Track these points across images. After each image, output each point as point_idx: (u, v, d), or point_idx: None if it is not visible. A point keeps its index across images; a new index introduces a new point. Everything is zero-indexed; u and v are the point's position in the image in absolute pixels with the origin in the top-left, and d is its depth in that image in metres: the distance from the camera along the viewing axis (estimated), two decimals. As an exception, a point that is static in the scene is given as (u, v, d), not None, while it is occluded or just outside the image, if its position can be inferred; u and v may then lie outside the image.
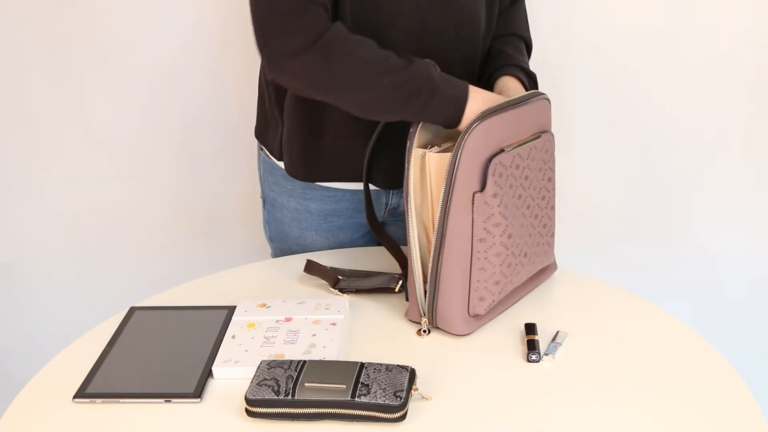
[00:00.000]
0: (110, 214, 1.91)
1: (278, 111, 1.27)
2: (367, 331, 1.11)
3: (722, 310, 1.85)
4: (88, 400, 0.98)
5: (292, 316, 1.12)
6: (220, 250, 1.94)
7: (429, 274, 1.08)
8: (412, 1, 1.15)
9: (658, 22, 1.62)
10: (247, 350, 1.05)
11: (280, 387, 0.93)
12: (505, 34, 1.31)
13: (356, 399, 0.91)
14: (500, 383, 1.00)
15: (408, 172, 1.07)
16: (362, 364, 0.97)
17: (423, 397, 0.96)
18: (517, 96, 1.10)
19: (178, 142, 1.84)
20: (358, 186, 1.31)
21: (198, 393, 0.98)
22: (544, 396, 0.97)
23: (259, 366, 0.98)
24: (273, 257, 1.43)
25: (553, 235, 1.19)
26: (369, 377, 0.94)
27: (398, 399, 0.92)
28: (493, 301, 1.10)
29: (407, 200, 1.08)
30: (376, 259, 1.32)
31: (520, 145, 1.08)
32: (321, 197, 1.33)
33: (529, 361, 1.04)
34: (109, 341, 1.10)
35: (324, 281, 1.23)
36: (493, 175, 1.03)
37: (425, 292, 1.10)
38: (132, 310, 1.17)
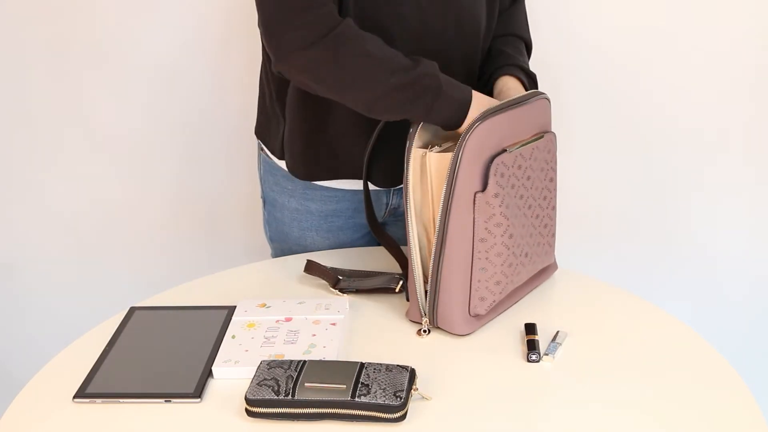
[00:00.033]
0: (110, 214, 1.91)
1: (279, 108, 1.27)
2: (367, 331, 1.11)
3: (722, 310, 1.85)
4: (88, 400, 0.98)
5: (292, 316, 1.12)
6: (220, 250, 1.94)
7: (430, 274, 1.08)
8: (413, 0, 1.15)
9: (658, 22, 1.62)
10: (247, 350, 1.05)
11: (280, 387, 0.93)
12: (504, 35, 1.31)
13: (356, 399, 0.91)
14: (500, 383, 1.00)
15: (407, 172, 1.07)
16: (362, 364, 0.97)
17: (423, 397, 0.96)
18: (518, 96, 1.10)
19: (178, 142, 1.84)
20: (359, 186, 1.31)
21: (198, 393, 0.98)
22: (544, 396, 0.97)
23: (259, 366, 0.98)
24: (273, 257, 1.43)
25: (553, 235, 1.19)
26: (369, 377, 0.94)
27: (398, 399, 0.92)
28: (494, 301, 1.10)
29: (407, 200, 1.08)
30: (376, 259, 1.32)
31: (522, 145, 1.08)
32: (321, 197, 1.33)
33: (529, 361, 1.04)
34: (109, 341, 1.10)
35: (324, 281, 1.23)
36: (495, 175, 1.04)
37: (426, 291, 1.10)
38: (132, 310, 1.17)
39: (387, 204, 1.37)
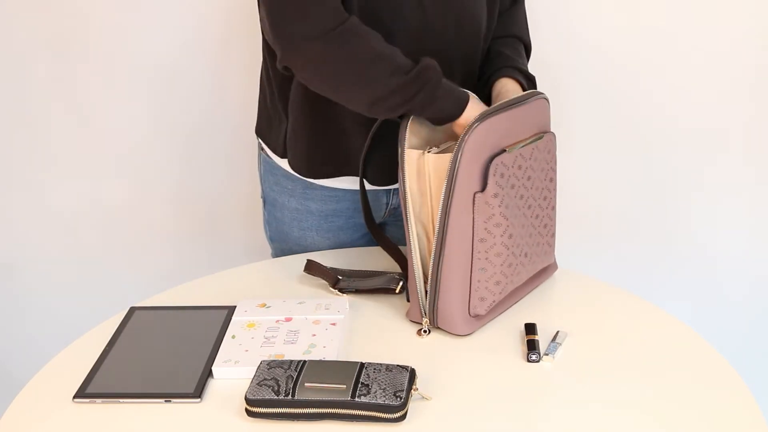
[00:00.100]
0: (110, 214, 1.91)
1: (282, 107, 1.27)
2: (367, 331, 1.11)
3: (722, 310, 1.85)
4: (88, 400, 0.98)
5: (292, 316, 1.12)
6: (220, 250, 1.94)
7: (429, 274, 1.08)
8: (414, 0, 1.15)
9: (658, 22, 1.62)
10: (247, 350, 1.05)
11: (280, 387, 0.93)
12: (504, 36, 1.31)
13: (356, 399, 0.91)
14: (500, 383, 1.00)
15: (403, 173, 1.07)
16: (362, 364, 0.97)
17: (423, 397, 0.96)
18: (516, 96, 1.10)
19: (178, 142, 1.84)
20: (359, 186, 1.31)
21: (198, 393, 0.98)
22: (544, 396, 0.97)
23: (259, 366, 0.98)
24: (273, 257, 1.43)
25: (553, 235, 1.19)
26: (369, 377, 0.94)
27: (398, 399, 0.92)
28: (494, 301, 1.10)
29: (404, 201, 1.08)
30: (376, 259, 1.32)
31: (522, 146, 1.08)
32: (321, 197, 1.33)
33: (529, 361, 1.04)
34: (109, 341, 1.10)
35: (324, 281, 1.23)
36: (494, 175, 1.04)
37: (426, 292, 1.10)
38: (132, 310, 1.17)
39: (387, 204, 1.37)
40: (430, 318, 1.10)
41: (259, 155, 1.39)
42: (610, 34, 1.64)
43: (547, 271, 1.23)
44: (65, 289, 1.98)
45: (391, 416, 0.91)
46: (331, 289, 1.21)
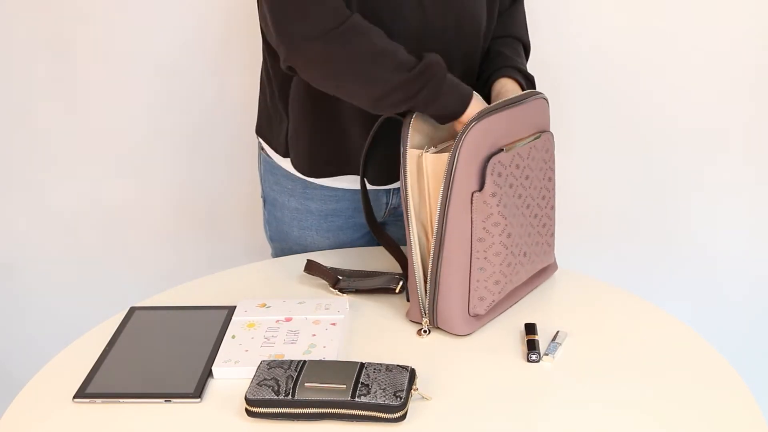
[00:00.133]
0: (110, 214, 1.91)
1: (282, 106, 1.27)
2: (367, 331, 1.11)
3: (722, 310, 1.85)
4: (88, 400, 0.98)
5: (292, 316, 1.12)
6: (220, 250, 1.94)
7: (428, 274, 1.08)
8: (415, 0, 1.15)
9: (658, 22, 1.62)
10: (247, 350, 1.05)
11: (280, 387, 0.93)
12: (503, 36, 1.31)
13: (356, 399, 0.91)
14: (500, 383, 1.00)
15: (405, 172, 1.07)
16: (362, 364, 0.97)
17: (423, 397, 0.96)
18: (514, 95, 1.10)
19: (178, 142, 1.84)
20: (359, 185, 1.31)
21: (198, 393, 0.98)
22: (544, 396, 0.97)
23: (259, 366, 0.98)
24: (273, 257, 1.43)
25: (553, 234, 1.19)
26: (369, 377, 0.94)
27: (398, 399, 0.92)
28: (493, 301, 1.10)
29: (405, 201, 1.08)
30: (376, 259, 1.32)
31: (520, 145, 1.08)
32: (321, 197, 1.33)
33: (529, 361, 1.04)
34: (109, 341, 1.10)
35: (324, 281, 1.23)
36: (492, 174, 1.04)
37: (426, 291, 1.10)
38: (132, 310, 1.17)
39: (387, 204, 1.37)
40: (429, 318, 1.10)
41: (260, 155, 1.39)
42: (610, 34, 1.64)
43: (547, 271, 1.23)
44: (65, 289, 1.98)
45: (391, 416, 0.91)
46: (331, 289, 1.21)
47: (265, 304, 1.15)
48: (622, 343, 1.07)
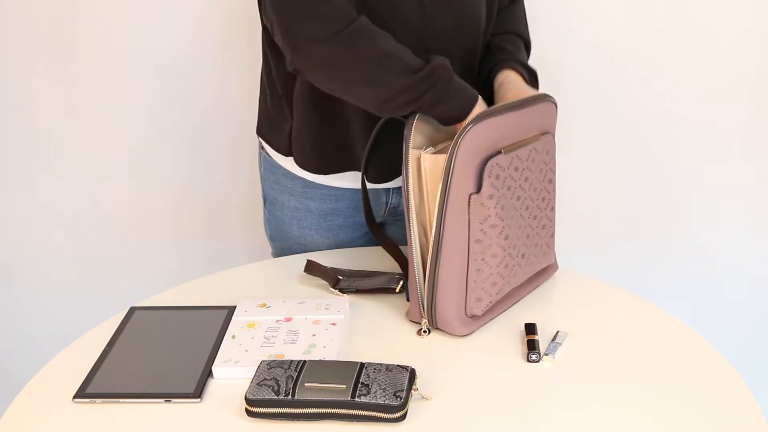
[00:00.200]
0: (110, 214, 1.91)
1: (287, 106, 1.27)
2: (367, 331, 1.11)
3: (722, 310, 1.85)
4: (88, 400, 0.98)
5: (292, 316, 1.12)
6: (220, 250, 1.94)
7: (427, 275, 1.08)
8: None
9: (658, 22, 1.62)
10: (247, 350, 1.05)
11: (280, 387, 0.93)
12: (503, 32, 1.31)
13: (356, 399, 0.91)
14: (500, 383, 1.00)
15: (407, 173, 1.07)
16: (362, 364, 0.97)
17: (423, 397, 0.96)
18: (518, 99, 1.10)
19: (178, 142, 1.84)
20: (359, 185, 1.31)
21: (198, 393, 0.98)
22: (544, 396, 0.97)
23: (259, 366, 0.98)
24: (273, 257, 1.43)
25: (552, 235, 1.19)
26: (369, 377, 0.94)
27: (398, 399, 0.92)
28: (491, 302, 1.10)
29: (407, 201, 1.08)
30: (376, 259, 1.32)
31: (519, 147, 1.08)
32: (321, 196, 1.33)
33: (529, 361, 1.04)
34: (109, 341, 1.10)
35: (324, 281, 1.23)
36: (489, 176, 1.03)
37: (425, 292, 1.10)
38: (132, 310, 1.17)
39: (387, 203, 1.37)
40: (428, 318, 1.10)
41: (260, 154, 1.39)
42: (609, 33, 1.64)
43: (547, 271, 1.23)
44: (65, 289, 1.98)
45: (391, 416, 0.91)
46: (331, 289, 1.21)
47: (265, 304, 1.15)
48: (622, 343, 1.07)
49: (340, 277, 1.21)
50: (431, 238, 1.07)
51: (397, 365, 0.97)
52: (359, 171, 1.28)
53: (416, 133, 1.08)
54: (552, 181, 1.16)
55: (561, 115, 1.66)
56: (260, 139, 1.37)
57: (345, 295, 1.20)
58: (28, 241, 1.94)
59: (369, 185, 1.30)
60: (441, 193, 1.04)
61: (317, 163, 1.28)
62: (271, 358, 1.00)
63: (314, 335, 1.07)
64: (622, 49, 1.65)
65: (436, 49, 1.17)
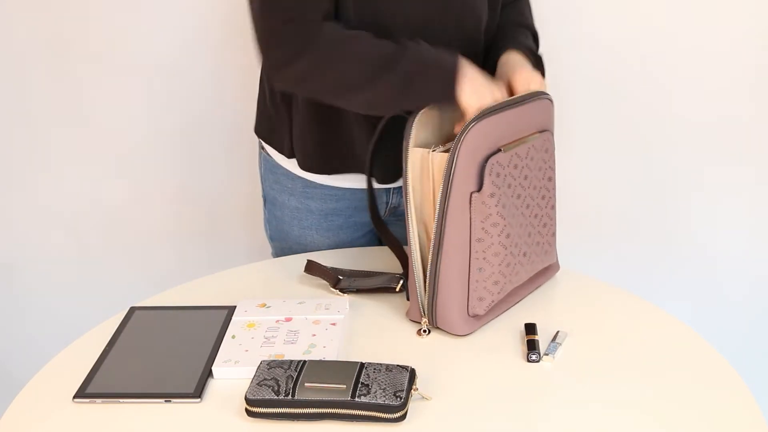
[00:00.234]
0: (110, 214, 1.91)
1: (285, 108, 1.27)
2: (367, 331, 1.11)
3: (722, 310, 1.85)
4: (88, 400, 0.98)
5: (292, 316, 1.12)
6: (220, 250, 1.94)
7: (428, 274, 1.08)
8: None
9: (658, 22, 1.62)
10: (247, 350, 1.05)
11: (280, 387, 0.93)
12: (511, 24, 1.30)
13: (356, 399, 0.91)
14: (500, 383, 1.00)
15: (406, 171, 1.07)
16: (362, 364, 0.97)
17: (423, 397, 0.96)
18: (517, 96, 1.10)
19: (178, 142, 1.84)
20: (359, 184, 1.31)
21: (198, 393, 0.98)
22: (544, 396, 0.97)
23: (259, 366, 0.98)
24: (273, 257, 1.43)
25: (554, 234, 1.19)
26: (369, 377, 0.94)
27: (398, 399, 0.92)
28: (493, 301, 1.10)
29: (407, 200, 1.08)
30: (376, 258, 1.32)
31: (517, 145, 1.08)
32: (321, 196, 1.32)
33: (529, 361, 1.04)
34: (109, 341, 1.10)
35: (324, 281, 1.23)
36: (490, 175, 1.03)
37: (425, 291, 1.10)
38: (132, 310, 1.17)
39: (387, 203, 1.37)
40: (429, 318, 1.10)
41: (260, 154, 1.39)
42: (609, 33, 1.64)
43: (548, 270, 1.23)
44: (65, 289, 1.98)
45: (391, 416, 0.91)
46: (331, 289, 1.21)
47: (265, 304, 1.15)
48: (622, 343, 1.07)
49: (341, 277, 1.21)
50: (432, 237, 1.06)
51: (397, 365, 0.97)
52: (361, 172, 1.28)
53: (421, 127, 1.08)
54: (552, 179, 1.16)
55: (561, 115, 1.66)
56: (260, 139, 1.37)
57: (345, 295, 1.20)
58: (28, 241, 1.94)
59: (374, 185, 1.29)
60: (442, 191, 1.04)
61: (319, 164, 1.28)
62: (271, 358, 1.00)
63: (314, 335, 1.07)
64: (622, 49, 1.65)
65: (437, 47, 1.16)
